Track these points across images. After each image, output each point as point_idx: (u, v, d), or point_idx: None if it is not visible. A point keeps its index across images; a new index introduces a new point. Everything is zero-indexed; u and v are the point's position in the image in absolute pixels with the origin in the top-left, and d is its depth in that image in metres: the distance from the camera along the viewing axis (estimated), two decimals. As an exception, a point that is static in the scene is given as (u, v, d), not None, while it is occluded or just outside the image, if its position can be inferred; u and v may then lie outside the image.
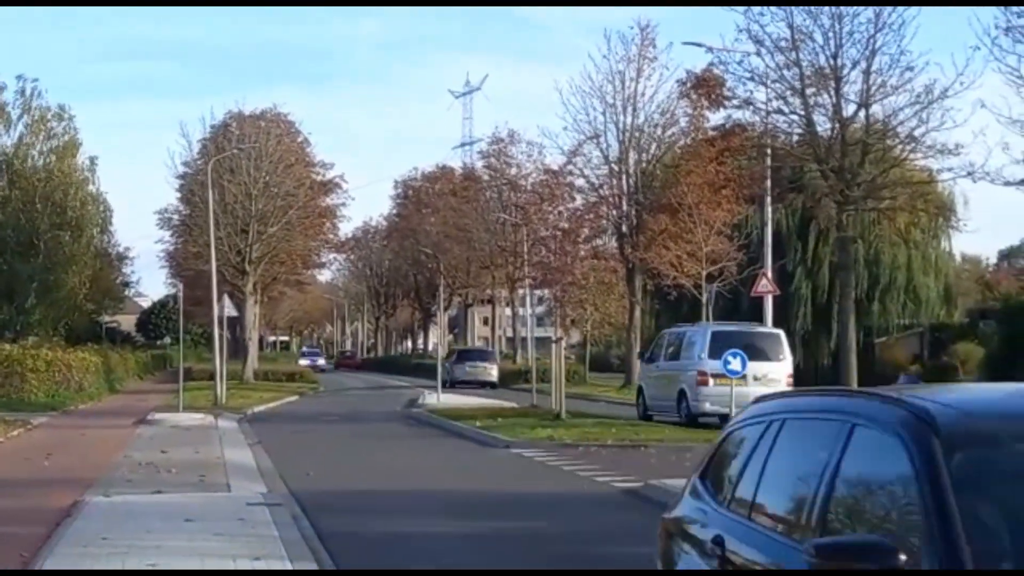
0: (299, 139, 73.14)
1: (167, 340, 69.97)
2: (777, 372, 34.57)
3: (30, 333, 66.91)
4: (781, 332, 38.45)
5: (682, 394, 34.76)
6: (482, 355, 73.41)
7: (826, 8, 39.58)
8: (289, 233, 69.23)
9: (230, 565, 12.29)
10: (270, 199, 66.57)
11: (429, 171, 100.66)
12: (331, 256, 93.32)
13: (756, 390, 27.51)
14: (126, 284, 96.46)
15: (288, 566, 12.25)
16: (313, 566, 12.39)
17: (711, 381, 33.32)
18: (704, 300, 47.36)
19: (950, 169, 41.42)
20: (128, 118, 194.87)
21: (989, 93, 56.85)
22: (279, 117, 71.64)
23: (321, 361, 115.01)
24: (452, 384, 61.54)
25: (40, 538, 14.02)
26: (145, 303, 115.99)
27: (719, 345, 33.35)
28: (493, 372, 67.09)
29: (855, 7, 39.42)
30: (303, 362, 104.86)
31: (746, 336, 36.02)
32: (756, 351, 34.51)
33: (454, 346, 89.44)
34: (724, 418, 27.65)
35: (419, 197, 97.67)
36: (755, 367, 33.01)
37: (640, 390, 39.30)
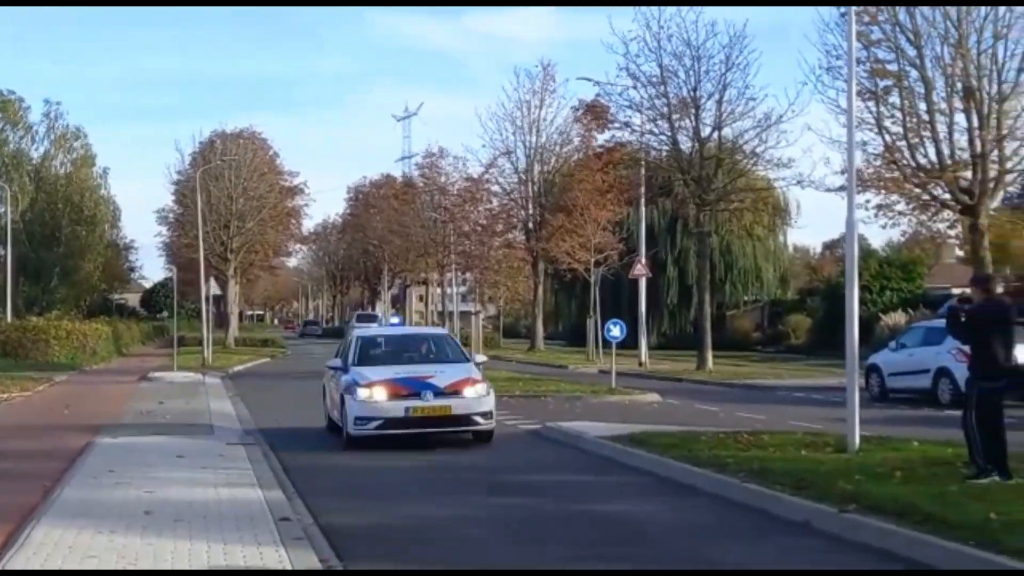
0: (270, 153, 72.82)
1: (165, 313, 69.42)
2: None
3: (54, 308, 65.95)
4: (377, 313, 75.44)
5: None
6: (371, 318, 77.87)
7: (688, 52, 39.89)
8: (263, 228, 69.09)
9: (212, 492, 12.20)
10: (247, 201, 66.47)
11: (375, 179, 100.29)
12: (297, 246, 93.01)
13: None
14: (131, 269, 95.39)
15: (259, 493, 12.17)
16: (278, 492, 12.31)
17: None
18: (592, 281, 47.50)
19: (784, 178, 42.28)
20: (135, 136, 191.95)
21: (814, 119, 57.60)
22: (254, 135, 71.52)
23: None
24: None
25: (59, 471, 13.87)
26: (147, 284, 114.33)
27: (361, 318, 66.42)
28: None
29: (711, 53, 39.78)
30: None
31: (369, 316, 69.38)
32: (370, 319, 73.39)
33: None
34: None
35: (367, 200, 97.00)
36: (369, 327, 60.10)
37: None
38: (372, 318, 79.72)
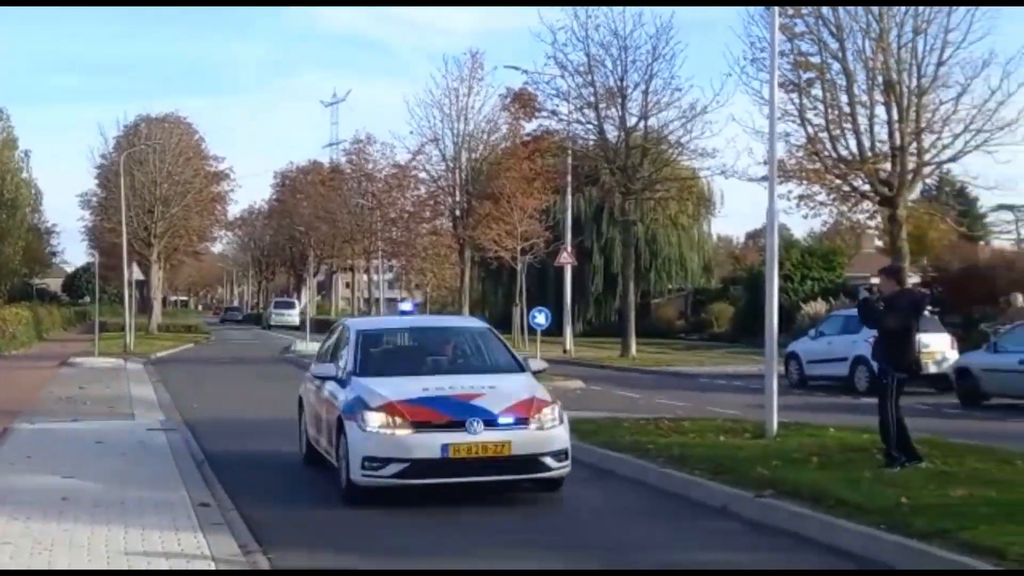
0: (195, 137, 72.07)
1: (87, 299, 68.48)
2: (294, 311, 74.83)
3: (-28, 293, 64.80)
4: (295, 300, 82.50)
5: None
6: (289, 305, 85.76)
7: (615, 42, 40.00)
8: (187, 213, 68.41)
9: (131, 476, 12.06)
10: (172, 186, 65.86)
11: (303, 165, 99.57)
12: (222, 232, 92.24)
13: (290, 319, 77.11)
14: (53, 253, 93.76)
15: (178, 479, 12.06)
16: (199, 480, 12.21)
17: (273, 317, 74.19)
18: (518, 269, 47.53)
19: (708, 168, 42.65)
20: (58, 119, 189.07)
21: (738, 110, 57.96)
22: (180, 119, 70.82)
23: None
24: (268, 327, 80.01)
25: (-26, 457, 13.63)
26: (69, 269, 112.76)
27: (279, 304, 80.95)
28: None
29: (638, 43, 39.91)
30: None
31: (285, 304, 79.15)
32: (288, 305, 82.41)
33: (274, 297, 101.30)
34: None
35: (294, 186, 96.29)
36: (286, 313, 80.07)
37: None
38: (289, 305, 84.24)
